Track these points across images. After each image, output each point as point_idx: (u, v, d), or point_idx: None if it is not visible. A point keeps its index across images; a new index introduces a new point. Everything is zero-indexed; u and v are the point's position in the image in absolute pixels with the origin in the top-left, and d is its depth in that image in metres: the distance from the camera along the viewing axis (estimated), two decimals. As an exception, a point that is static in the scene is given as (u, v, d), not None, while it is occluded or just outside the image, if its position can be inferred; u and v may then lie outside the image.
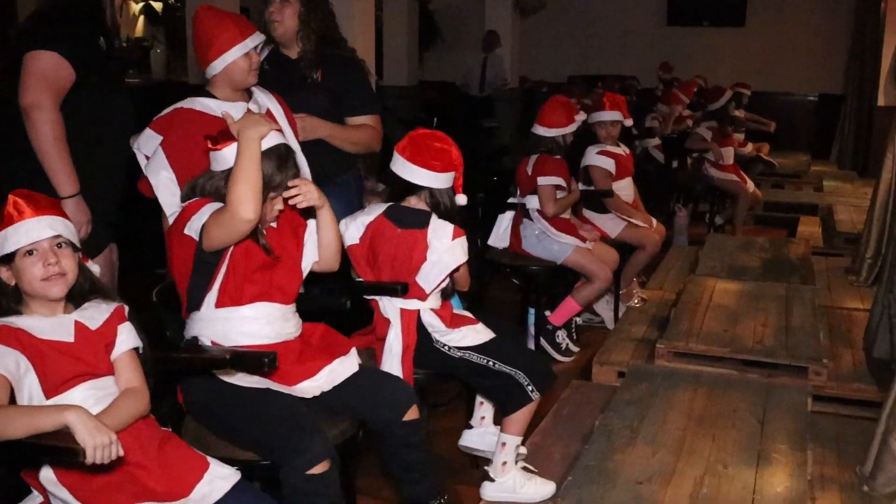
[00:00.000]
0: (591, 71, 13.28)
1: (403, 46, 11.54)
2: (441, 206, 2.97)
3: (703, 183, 7.24)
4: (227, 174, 2.37)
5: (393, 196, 3.05)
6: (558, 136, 4.46)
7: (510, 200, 4.60)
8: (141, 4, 10.81)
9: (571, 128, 4.49)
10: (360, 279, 3.00)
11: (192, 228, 2.38)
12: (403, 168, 2.95)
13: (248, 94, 3.15)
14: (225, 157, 2.43)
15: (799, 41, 12.84)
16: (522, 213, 4.51)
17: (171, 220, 2.75)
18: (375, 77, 12.16)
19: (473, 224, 4.72)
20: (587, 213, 5.03)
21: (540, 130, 4.47)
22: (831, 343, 4.47)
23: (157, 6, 10.85)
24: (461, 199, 3.01)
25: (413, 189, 2.97)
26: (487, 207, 4.69)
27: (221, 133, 2.46)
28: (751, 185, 7.21)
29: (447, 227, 2.92)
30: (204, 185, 2.49)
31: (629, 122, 5.16)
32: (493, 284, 5.17)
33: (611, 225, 4.97)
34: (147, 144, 3.04)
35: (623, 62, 13.50)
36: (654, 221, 5.18)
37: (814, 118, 13.02)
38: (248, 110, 2.70)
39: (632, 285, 5.21)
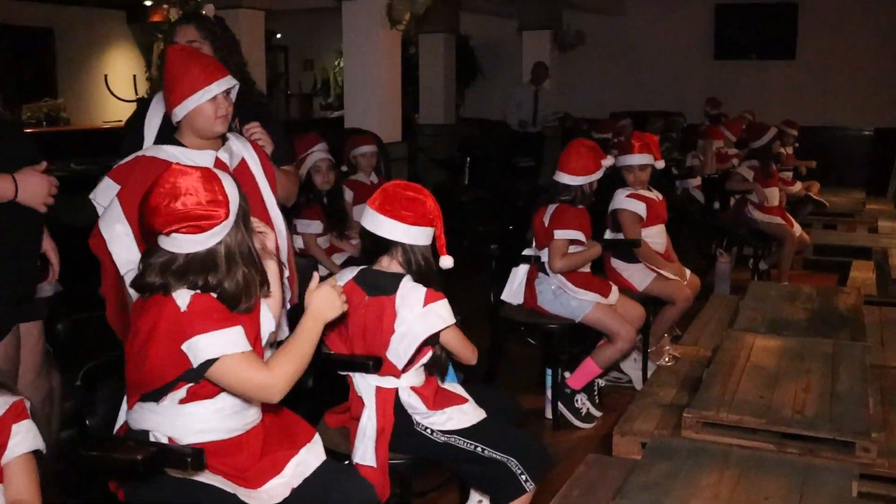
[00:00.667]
0: (636, 107, 12.88)
1: (440, 83, 11.28)
2: (414, 264, 2.62)
3: (747, 226, 6.80)
4: (200, 264, 2.03)
5: (364, 257, 2.72)
6: (583, 184, 4.09)
7: (525, 252, 4.23)
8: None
9: (597, 175, 4.13)
10: (330, 352, 2.67)
11: (196, 355, 2.00)
12: (373, 222, 2.62)
13: (223, 141, 2.86)
14: (196, 240, 2.03)
15: (853, 73, 12.35)
16: (538, 266, 4.15)
17: (128, 281, 2.43)
18: (415, 115, 12.09)
19: (486, 278, 4.41)
20: (614, 263, 4.65)
21: (563, 178, 4.11)
22: (884, 410, 4.04)
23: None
24: (446, 262, 2.66)
25: (384, 246, 2.64)
26: (502, 260, 4.32)
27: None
28: (797, 229, 6.75)
29: (418, 292, 2.57)
30: (161, 270, 2.04)
31: (661, 165, 4.78)
32: (508, 344, 4.80)
33: (639, 277, 4.57)
34: (104, 194, 2.75)
35: (669, 98, 13.09)
36: (688, 273, 4.77)
37: (869, 153, 12.49)
38: (321, 279, 2.31)
39: (663, 341, 4.80)
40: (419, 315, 2.53)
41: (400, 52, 7.51)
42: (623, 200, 4.60)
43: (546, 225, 4.07)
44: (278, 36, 15.55)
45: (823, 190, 10.76)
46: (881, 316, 5.72)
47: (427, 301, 2.55)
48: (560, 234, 3.99)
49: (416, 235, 2.59)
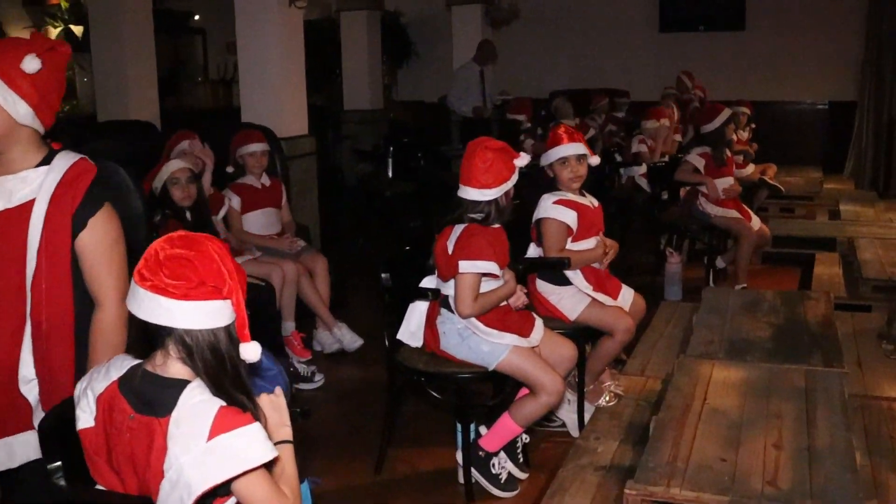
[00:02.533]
0: (578, 85, 12.07)
1: (364, 65, 10.38)
2: (201, 361, 1.76)
3: (699, 221, 6.01)
4: None
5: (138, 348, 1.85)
6: (496, 197, 3.23)
7: (423, 284, 3.37)
8: (59, 29, 9.68)
9: (511, 181, 3.26)
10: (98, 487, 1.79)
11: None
12: (134, 300, 1.76)
13: None
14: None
15: (806, 43, 11.61)
16: (440, 301, 3.29)
17: None
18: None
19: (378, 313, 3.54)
20: (539, 287, 3.81)
21: (469, 193, 3.24)
22: (872, 464, 3.27)
23: (78, 30, 9.70)
24: (249, 352, 1.79)
25: (153, 337, 1.77)
26: (397, 291, 3.45)
27: None
28: (756, 222, 5.97)
29: (203, 415, 1.70)
30: None
31: (595, 161, 3.91)
32: (406, 397, 3.96)
33: (570, 303, 3.74)
34: None
35: (613, 75, 12.30)
36: (631, 296, 3.94)
37: (824, 128, 11.79)
38: None
39: (603, 376, 3.98)
40: (198, 455, 1.65)
41: (302, 34, 6.58)
42: (549, 208, 3.75)
43: (450, 252, 3.20)
44: (196, 17, 14.49)
45: (778, 169, 10.08)
46: (854, 326, 4.98)
47: (216, 429, 1.68)
48: (467, 267, 3.13)
49: (195, 315, 1.72)
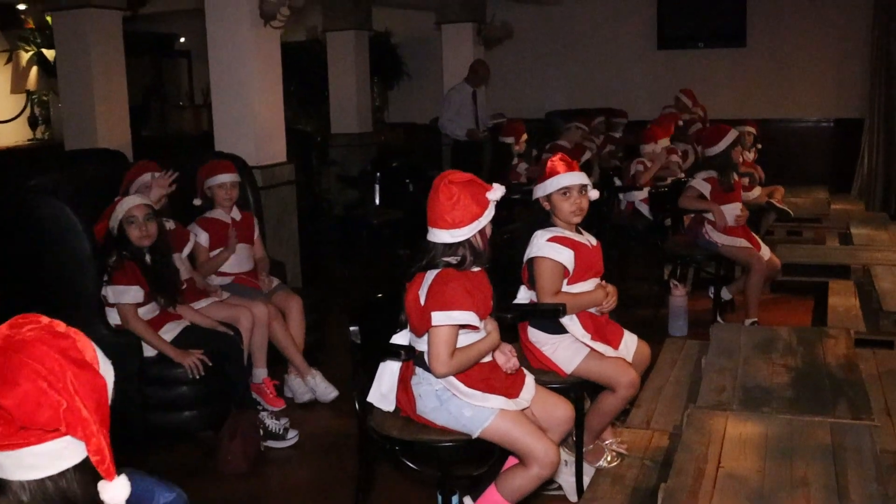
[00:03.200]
0: (574, 105, 11.70)
1: (351, 87, 9.99)
2: None
3: (705, 250, 5.59)
4: None
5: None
6: (470, 236, 2.81)
7: (395, 340, 2.94)
8: (31, 53, 9.30)
9: (486, 216, 2.82)
10: None
11: None
12: None
13: None
14: None
15: (809, 59, 11.26)
16: (414, 360, 2.86)
17: None
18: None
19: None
20: (532, 336, 3.39)
21: (439, 236, 2.81)
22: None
23: (50, 55, 9.33)
24: (112, 494, 1.34)
25: None
26: (369, 348, 3.01)
27: None
28: (766, 251, 5.55)
29: None
30: None
31: (594, 195, 3.47)
32: (380, 469, 3.53)
33: (565, 354, 3.31)
34: None
35: (610, 94, 11.94)
36: (634, 345, 3.52)
37: (830, 147, 11.40)
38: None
39: (604, 433, 3.55)
40: None
41: (279, 55, 6.18)
42: (543, 246, 3.32)
43: (422, 303, 2.77)
44: (182, 40, 14.15)
45: (783, 189, 9.67)
46: (878, 364, 4.57)
47: None
48: (441, 319, 2.70)
49: (25, 464, 1.30)
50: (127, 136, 6.69)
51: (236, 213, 4.93)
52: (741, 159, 6.60)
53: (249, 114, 5.94)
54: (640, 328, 5.87)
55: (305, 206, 7.94)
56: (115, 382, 1.40)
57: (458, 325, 2.71)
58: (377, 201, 8.01)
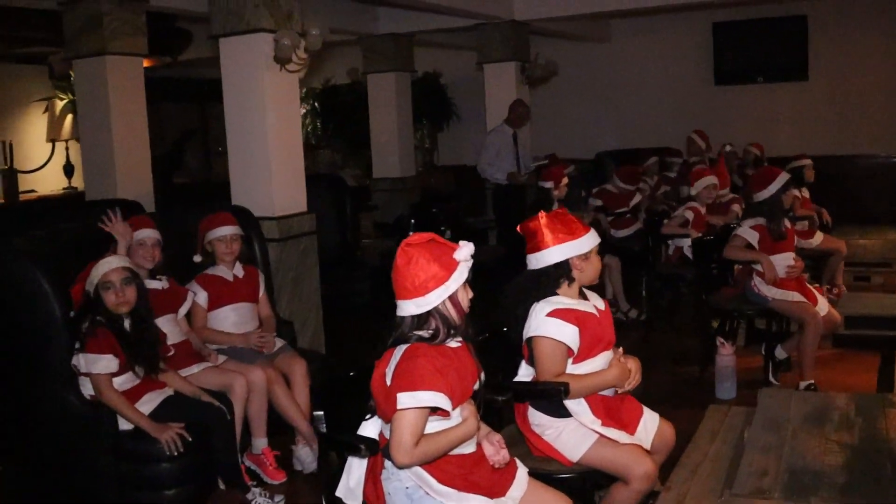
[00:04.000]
0: (627, 144, 11.23)
1: (393, 129, 9.70)
2: None
3: (755, 304, 5.08)
4: None
5: None
6: (438, 303, 2.42)
7: (363, 429, 2.54)
8: (65, 101, 9.20)
9: (456, 278, 2.43)
10: None
11: None
12: None
13: None
14: None
15: (875, 91, 10.66)
16: (382, 451, 2.45)
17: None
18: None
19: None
20: (532, 418, 2.95)
21: (406, 308, 2.43)
22: None
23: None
24: None
25: None
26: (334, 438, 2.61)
27: None
28: (823, 305, 5.02)
29: None
30: None
31: (586, 246, 3.04)
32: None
33: (572, 440, 2.86)
34: None
35: (665, 132, 11.42)
36: (655, 427, 3.05)
37: (897, 183, 10.74)
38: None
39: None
40: None
41: (297, 100, 5.89)
42: (542, 323, 2.89)
43: (388, 384, 2.37)
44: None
45: (849, 230, 9.08)
46: (951, 439, 4.00)
47: None
48: (406, 401, 2.30)
49: None
50: (148, 186, 6.43)
51: (239, 270, 4.61)
52: (799, 196, 6.14)
53: (265, 162, 5.63)
54: (685, 388, 5.45)
55: (336, 258, 7.62)
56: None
57: (427, 409, 2.31)
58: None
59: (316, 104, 13.43)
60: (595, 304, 3.02)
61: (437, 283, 2.36)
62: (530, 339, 2.90)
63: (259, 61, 5.55)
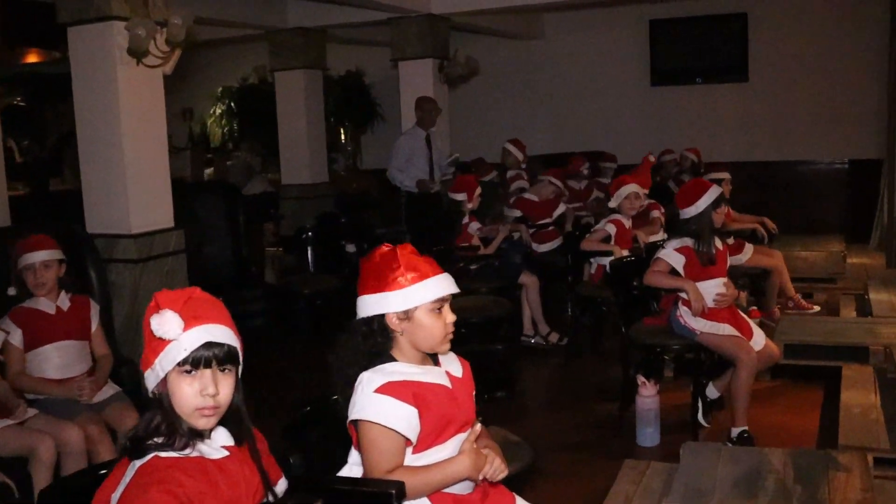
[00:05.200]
0: (557, 148, 10.60)
1: (301, 133, 8.93)
2: None
3: (681, 338, 4.39)
4: None
5: None
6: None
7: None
8: None
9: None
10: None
11: None
12: None
13: None
14: None
15: (819, 94, 10.11)
16: None
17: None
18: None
19: None
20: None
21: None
22: None
23: None
24: None
25: None
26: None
27: None
28: (759, 338, 4.34)
29: None
30: None
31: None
32: None
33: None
34: None
35: (597, 136, 10.83)
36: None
37: (845, 192, 10.22)
38: None
39: None
40: None
41: (162, 98, 5.10)
42: (368, 403, 2.11)
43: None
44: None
45: (790, 240, 8.52)
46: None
47: None
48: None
49: None
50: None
51: (65, 301, 3.84)
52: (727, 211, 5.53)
53: (120, 170, 4.85)
54: (603, 431, 4.75)
55: (228, 276, 6.85)
56: None
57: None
58: (311, 267, 6.87)
59: (232, 104, 12.61)
60: (448, 368, 2.28)
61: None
62: (355, 422, 2.15)
63: (111, 54, 4.78)
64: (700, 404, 4.55)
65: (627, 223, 5.71)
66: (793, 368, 5.30)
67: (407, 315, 2.18)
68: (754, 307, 5.80)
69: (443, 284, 2.21)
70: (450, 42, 8.63)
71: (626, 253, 5.59)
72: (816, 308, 6.55)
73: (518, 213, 7.12)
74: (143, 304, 4.87)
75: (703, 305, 4.19)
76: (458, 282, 2.31)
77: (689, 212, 4.35)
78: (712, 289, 4.28)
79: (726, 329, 4.23)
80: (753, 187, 10.20)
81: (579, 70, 11.06)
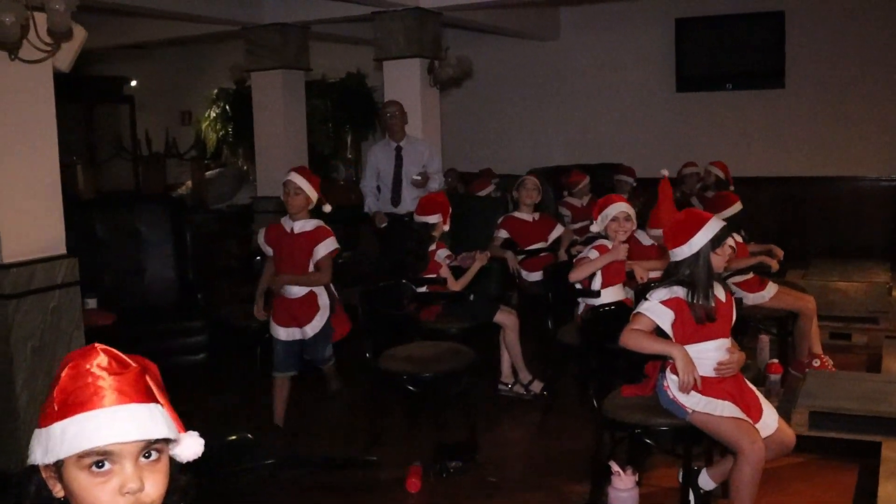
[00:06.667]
0: (574, 159, 9.60)
1: (279, 140, 8.06)
2: None
3: (668, 415, 3.39)
4: None
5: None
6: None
7: None
8: None
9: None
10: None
11: None
12: None
13: None
14: None
15: (865, 103, 9.04)
16: None
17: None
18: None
19: None
20: None
21: None
22: None
23: None
24: None
25: None
26: None
27: None
28: (770, 419, 3.33)
29: None
30: None
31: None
32: None
33: None
34: None
35: (616, 146, 9.84)
36: None
37: (892, 210, 9.12)
38: None
39: None
40: None
41: (50, 98, 4.22)
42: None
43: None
44: (133, 84, 12.42)
45: (827, 268, 7.51)
46: None
47: None
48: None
49: None
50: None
51: None
52: (732, 246, 4.56)
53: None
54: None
55: (169, 303, 5.99)
56: None
57: None
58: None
59: (227, 107, 11.76)
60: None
61: None
62: None
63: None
64: (692, 497, 3.55)
65: (619, 253, 4.65)
66: (820, 442, 4.29)
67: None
68: (774, 360, 4.78)
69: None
70: (444, 41, 7.69)
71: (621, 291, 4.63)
72: (843, 373, 5.48)
73: (505, 235, 6.16)
74: (19, 349, 4.02)
75: (696, 378, 3.19)
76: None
77: (681, 252, 3.35)
78: (710, 354, 3.29)
79: (727, 408, 3.23)
80: (787, 206, 9.19)
81: (597, 74, 10.07)
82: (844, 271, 7.78)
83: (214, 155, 12.18)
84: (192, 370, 5.84)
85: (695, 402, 3.27)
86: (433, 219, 5.28)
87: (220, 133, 11.94)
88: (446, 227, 5.39)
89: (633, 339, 3.29)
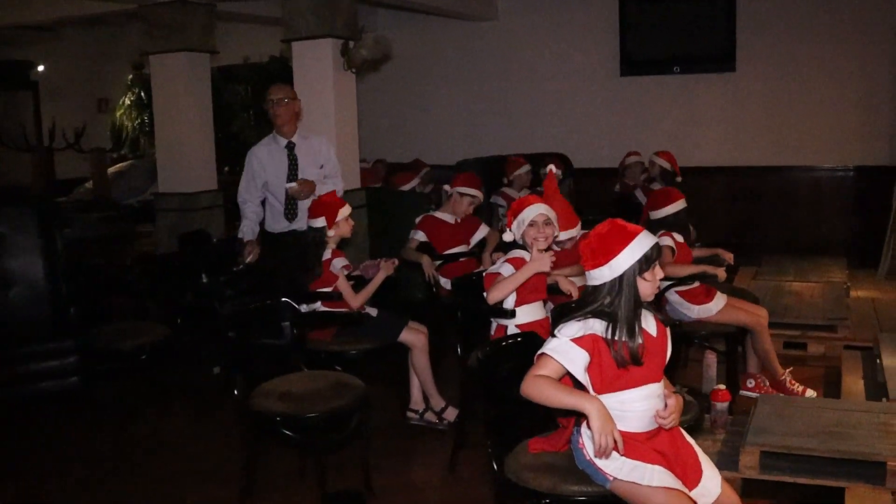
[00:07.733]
0: (507, 149, 8.92)
1: (182, 129, 7.31)
2: None
3: (585, 483, 2.71)
4: None
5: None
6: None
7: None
8: None
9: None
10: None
11: None
12: None
13: None
14: None
15: (820, 87, 8.50)
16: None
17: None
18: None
19: None
20: None
21: None
22: None
23: None
24: None
25: None
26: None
27: None
28: (712, 484, 2.65)
29: None
30: None
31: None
32: None
33: None
34: None
35: (555, 134, 9.19)
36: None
37: (850, 204, 8.64)
38: None
39: None
40: None
41: None
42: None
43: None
44: (40, 69, 11.52)
45: (782, 265, 6.98)
46: None
47: None
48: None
49: None
50: None
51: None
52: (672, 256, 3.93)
53: None
54: None
55: (34, 321, 5.22)
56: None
57: None
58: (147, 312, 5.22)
59: (142, 94, 10.94)
60: None
61: None
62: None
63: None
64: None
65: (542, 264, 3.92)
66: (772, 487, 3.64)
67: None
68: (721, 385, 4.12)
69: None
70: (360, 19, 6.95)
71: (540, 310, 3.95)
72: (812, 393, 4.81)
73: (423, 238, 5.46)
74: None
75: (616, 438, 2.49)
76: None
77: (600, 275, 2.66)
78: (637, 405, 2.61)
79: (657, 476, 2.54)
80: (739, 197, 8.63)
81: (536, 56, 9.41)
82: (800, 270, 7.24)
83: (132, 145, 11.37)
84: (63, 396, 5.08)
85: (617, 468, 2.58)
86: (318, 222, 4.54)
87: (137, 122, 11.15)
88: (348, 233, 4.66)
89: (537, 389, 2.58)
